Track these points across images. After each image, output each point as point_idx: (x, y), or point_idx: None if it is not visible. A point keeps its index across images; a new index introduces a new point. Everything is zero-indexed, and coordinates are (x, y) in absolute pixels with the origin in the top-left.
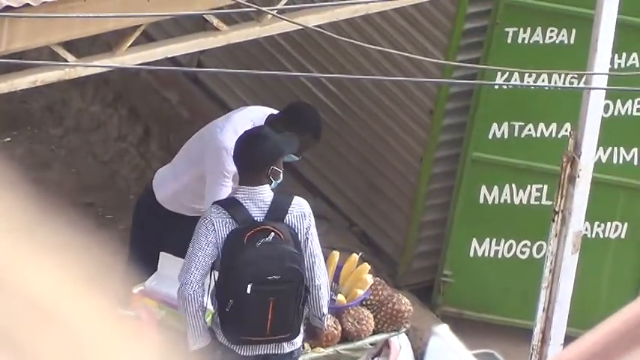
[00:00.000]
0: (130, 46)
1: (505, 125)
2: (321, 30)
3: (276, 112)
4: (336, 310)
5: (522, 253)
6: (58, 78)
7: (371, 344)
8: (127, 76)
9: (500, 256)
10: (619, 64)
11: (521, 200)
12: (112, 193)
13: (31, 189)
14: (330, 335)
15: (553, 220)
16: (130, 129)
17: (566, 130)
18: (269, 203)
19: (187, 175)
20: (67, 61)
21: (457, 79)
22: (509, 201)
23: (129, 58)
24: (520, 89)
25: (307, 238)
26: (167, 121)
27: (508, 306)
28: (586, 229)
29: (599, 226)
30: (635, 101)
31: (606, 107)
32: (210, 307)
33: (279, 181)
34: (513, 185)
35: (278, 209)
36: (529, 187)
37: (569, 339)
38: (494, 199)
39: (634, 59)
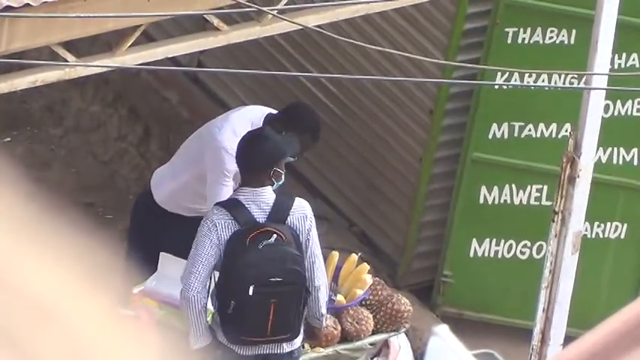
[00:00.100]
0: (130, 46)
1: (505, 125)
2: (321, 30)
3: (274, 111)
4: (336, 310)
5: (522, 253)
6: (58, 78)
7: (370, 344)
8: (127, 76)
9: (500, 256)
10: (619, 65)
11: (521, 200)
12: (111, 193)
13: (31, 189)
14: (329, 335)
15: (553, 221)
16: (129, 129)
17: (566, 131)
18: (271, 205)
19: (186, 174)
20: (67, 61)
21: (457, 79)
22: (509, 201)
23: (129, 58)
24: (520, 89)
25: (308, 240)
26: (167, 121)
27: (508, 306)
28: (586, 230)
29: (599, 226)
30: (635, 101)
31: (606, 107)
32: (210, 306)
33: (280, 183)
34: (513, 185)
35: (280, 211)
36: (529, 187)
37: (569, 339)
38: (494, 199)
39: (634, 59)
